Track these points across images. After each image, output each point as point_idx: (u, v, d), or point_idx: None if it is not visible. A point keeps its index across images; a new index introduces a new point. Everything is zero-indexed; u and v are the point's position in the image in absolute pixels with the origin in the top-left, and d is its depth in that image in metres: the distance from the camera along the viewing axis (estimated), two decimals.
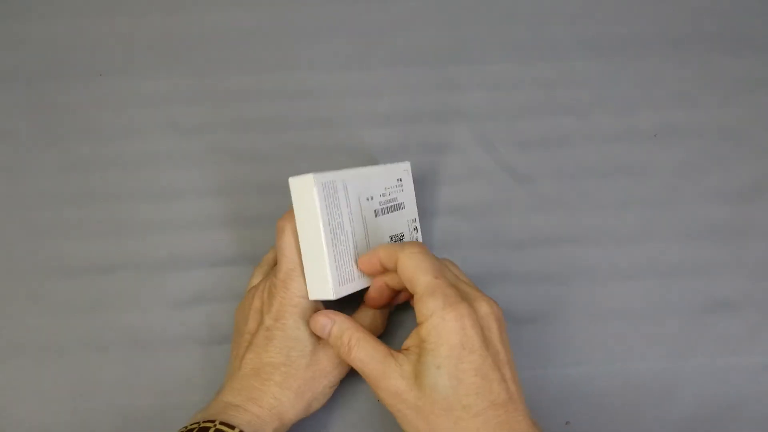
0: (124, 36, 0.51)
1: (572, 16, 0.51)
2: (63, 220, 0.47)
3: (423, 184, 0.47)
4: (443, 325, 0.34)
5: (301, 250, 0.39)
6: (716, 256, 0.46)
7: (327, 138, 0.49)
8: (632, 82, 0.50)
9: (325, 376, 0.39)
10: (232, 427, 0.35)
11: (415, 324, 0.36)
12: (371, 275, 0.40)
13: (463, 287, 0.37)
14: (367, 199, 0.40)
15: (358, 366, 0.37)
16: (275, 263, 0.43)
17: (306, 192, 0.38)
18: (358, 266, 0.39)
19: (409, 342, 0.36)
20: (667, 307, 0.45)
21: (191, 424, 0.36)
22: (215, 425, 0.35)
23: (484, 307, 0.36)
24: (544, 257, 0.46)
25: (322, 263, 0.38)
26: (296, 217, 0.38)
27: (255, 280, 0.43)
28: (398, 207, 0.42)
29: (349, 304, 0.42)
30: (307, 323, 0.39)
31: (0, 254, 0.46)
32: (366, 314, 0.42)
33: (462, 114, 0.49)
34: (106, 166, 0.48)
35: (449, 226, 0.47)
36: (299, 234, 0.38)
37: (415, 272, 0.36)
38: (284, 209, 0.41)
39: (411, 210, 0.43)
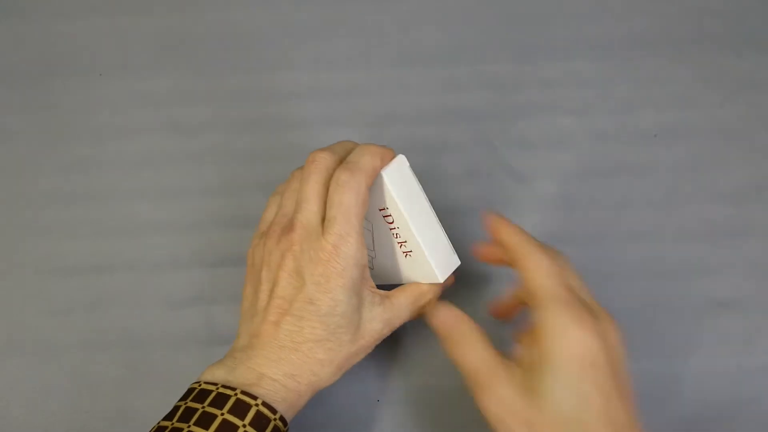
0: (124, 36, 0.51)
1: (573, 16, 0.51)
2: (63, 220, 0.47)
3: (423, 185, 0.47)
4: (573, 339, 0.32)
5: (416, 235, 0.38)
6: (716, 256, 0.46)
7: (327, 138, 0.48)
8: (632, 82, 0.50)
9: (364, 350, 0.38)
10: (255, 398, 0.34)
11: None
12: (484, 260, 0.40)
13: (589, 301, 0.35)
14: None
15: (465, 368, 0.35)
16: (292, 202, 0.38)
17: (403, 171, 0.38)
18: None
19: (521, 351, 0.34)
20: (667, 307, 0.45)
21: (207, 383, 0.35)
22: (236, 394, 0.34)
23: (613, 329, 0.34)
24: None
25: (439, 235, 0.39)
26: (400, 205, 0.37)
27: (270, 214, 0.40)
28: None
29: None
30: (358, 296, 0.36)
31: (0, 254, 0.46)
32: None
33: (462, 114, 0.49)
34: (106, 166, 0.48)
35: (449, 226, 0.47)
36: (409, 220, 0.37)
37: (545, 275, 0.34)
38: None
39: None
